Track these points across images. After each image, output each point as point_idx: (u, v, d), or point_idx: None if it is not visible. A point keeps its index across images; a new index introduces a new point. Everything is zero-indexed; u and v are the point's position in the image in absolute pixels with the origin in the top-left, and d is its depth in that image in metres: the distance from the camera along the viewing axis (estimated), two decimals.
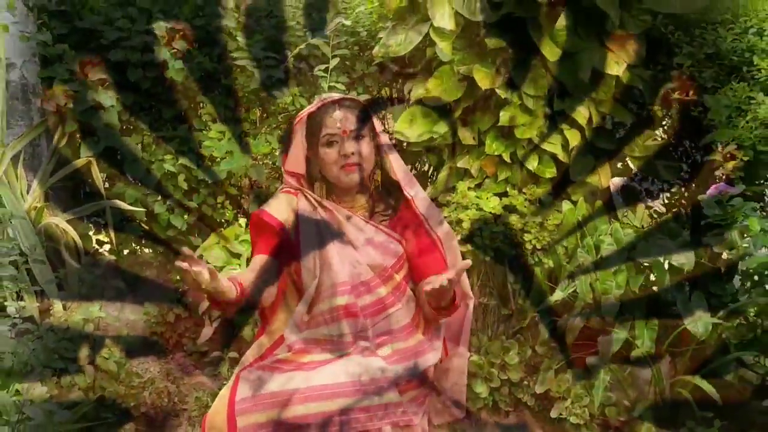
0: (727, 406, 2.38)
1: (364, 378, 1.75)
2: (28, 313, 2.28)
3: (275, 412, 1.72)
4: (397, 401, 1.76)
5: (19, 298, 2.43)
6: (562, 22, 2.63)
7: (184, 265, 1.52)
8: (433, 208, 2.01)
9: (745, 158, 2.29)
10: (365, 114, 1.90)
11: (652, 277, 2.49)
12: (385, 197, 1.99)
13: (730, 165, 2.27)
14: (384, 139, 1.97)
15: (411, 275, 1.98)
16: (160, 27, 2.89)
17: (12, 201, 2.78)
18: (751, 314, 2.31)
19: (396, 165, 1.97)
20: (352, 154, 1.85)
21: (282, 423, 1.71)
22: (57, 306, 2.56)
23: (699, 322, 2.25)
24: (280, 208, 1.91)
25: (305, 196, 1.93)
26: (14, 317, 2.11)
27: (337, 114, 1.88)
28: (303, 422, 1.71)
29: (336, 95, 1.97)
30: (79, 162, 2.90)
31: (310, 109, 1.95)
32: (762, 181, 2.44)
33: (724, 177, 2.33)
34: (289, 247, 1.89)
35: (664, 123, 2.97)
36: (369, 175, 1.94)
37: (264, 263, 1.87)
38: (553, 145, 2.72)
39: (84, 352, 2.24)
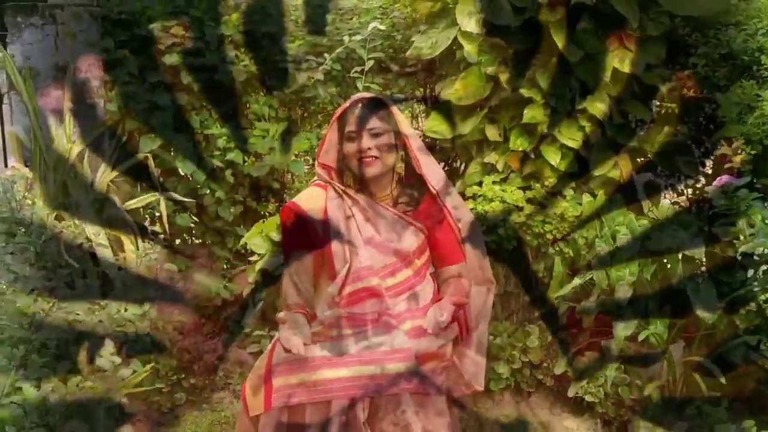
0: (737, 388, 2.51)
1: (387, 348, 1.95)
2: (94, 288, 2.57)
3: (306, 375, 1.93)
4: (417, 371, 1.95)
5: (84, 276, 2.72)
6: (584, 24, 2.80)
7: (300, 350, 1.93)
8: (456, 201, 2.19)
9: (753, 152, 2.41)
10: (386, 111, 2.09)
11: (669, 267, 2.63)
12: (408, 190, 2.17)
13: (739, 158, 2.40)
14: (409, 134, 2.16)
15: (432, 261, 2.17)
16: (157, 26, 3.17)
17: (78, 192, 3.09)
18: (761, 301, 2.42)
19: (422, 160, 2.16)
20: (369, 149, 2.05)
21: (310, 385, 1.92)
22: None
23: (707, 307, 2.38)
24: (309, 200, 2.14)
25: (333, 188, 2.14)
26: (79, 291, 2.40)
27: (358, 112, 2.08)
28: (333, 385, 1.92)
29: (364, 94, 2.17)
30: (139, 157, 3.19)
31: (343, 107, 2.16)
32: None
33: (735, 170, 2.45)
34: (317, 235, 2.10)
35: (684, 120, 3.10)
36: (390, 169, 2.13)
37: (305, 268, 2.13)
38: (574, 141, 2.88)
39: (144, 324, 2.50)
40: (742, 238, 2.42)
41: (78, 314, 1.95)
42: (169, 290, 3.03)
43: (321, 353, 1.97)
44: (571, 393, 2.67)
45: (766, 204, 2.34)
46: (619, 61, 2.77)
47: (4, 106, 4.70)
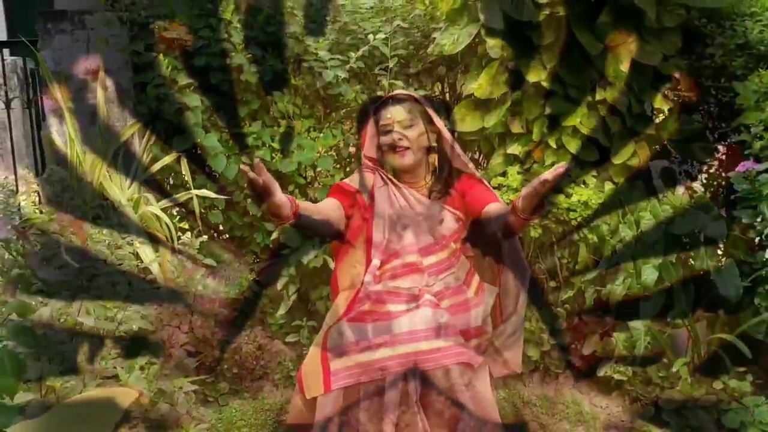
0: (761, 365, 2.63)
1: (435, 325, 2.07)
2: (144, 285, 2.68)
3: (361, 356, 2.05)
4: (462, 344, 2.06)
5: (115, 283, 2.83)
6: (603, 17, 2.90)
7: (245, 168, 1.86)
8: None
9: None
10: (415, 105, 2.26)
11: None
12: (442, 179, 2.32)
13: (758, 145, 2.51)
14: (441, 127, 2.31)
15: (472, 212, 2.27)
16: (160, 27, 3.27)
17: (116, 192, 3.18)
18: None
19: (457, 151, 2.32)
20: (400, 139, 2.22)
21: (365, 365, 2.04)
22: None
23: (731, 287, 2.49)
24: (357, 181, 2.29)
25: (380, 175, 2.28)
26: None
27: (390, 107, 2.27)
28: (387, 363, 2.03)
29: (397, 92, 2.33)
30: (171, 157, 3.28)
31: (377, 104, 2.33)
32: None
33: (753, 156, 2.56)
34: (363, 212, 2.24)
35: (700, 108, 3.21)
36: (422, 160, 2.28)
37: (328, 202, 2.25)
38: (594, 131, 2.98)
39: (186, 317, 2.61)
40: (760, 220, 2.54)
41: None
42: (207, 284, 3.13)
43: (373, 333, 2.09)
44: (600, 372, 2.79)
45: None
46: (639, 52, 2.87)
47: (24, 110, 4.77)
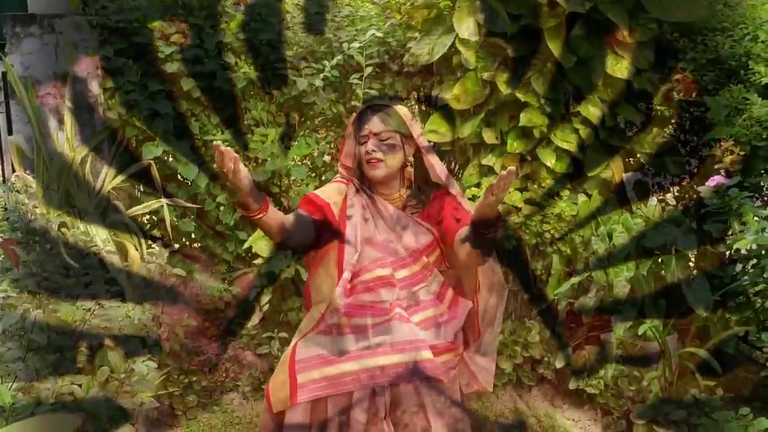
0: (731, 379, 2.64)
1: (403, 339, 2.04)
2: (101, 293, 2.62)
3: (328, 369, 2.02)
4: (431, 359, 2.04)
5: (90, 283, 2.76)
6: (576, 31, 2.91)
7: (221, 146, 1.76)
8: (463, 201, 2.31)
9: (742, 153, 2.54)
10: (392, 116, 2.19)
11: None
12: (418, 194, 2.28)
13: (729, 159, 2.52)
14: (423, 141, 2.26)
15: (446, 242, 2.24)
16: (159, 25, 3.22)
17: (82, 199, 3.11)
18: (751, 293, 2.55)
19: (434, 162, 2.26)
20: (374, 151, 2.17)
21: (333, 378, 2.01)
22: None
23: (701, 300, 2.50)
24: (330, 193, 2.24)
25: (354, 186, 2.24)
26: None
27: (369, 117, 2.20)
28: (355, 376, 2.00)
29: (374, 101, 2.28)
30: (141, 164, 3.22)
31: (356, 112, 2.28)
32: (760, 173, 2.68)
33: (723, 170, 2.58)
34: (334, 225, 2.20)
35: (672, 122, 3.23)
36: (395, 172, 2.23)
37: (299, 215, 2.17)
38: (569, 143, 2.98)
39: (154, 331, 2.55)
40: (731, 234, 2.55)
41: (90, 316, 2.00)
42: (177, 294, 3.07)
43: (341, 347, 2.06)
44: (572, 386, 2.79)
45: (755, 202, 2.47)
46: (612, 66, 2.88)
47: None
